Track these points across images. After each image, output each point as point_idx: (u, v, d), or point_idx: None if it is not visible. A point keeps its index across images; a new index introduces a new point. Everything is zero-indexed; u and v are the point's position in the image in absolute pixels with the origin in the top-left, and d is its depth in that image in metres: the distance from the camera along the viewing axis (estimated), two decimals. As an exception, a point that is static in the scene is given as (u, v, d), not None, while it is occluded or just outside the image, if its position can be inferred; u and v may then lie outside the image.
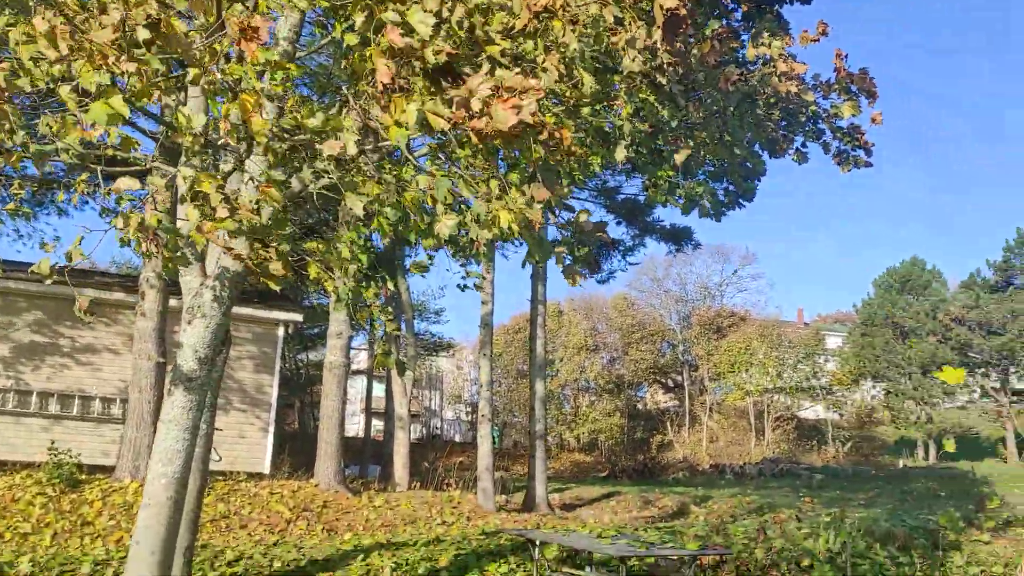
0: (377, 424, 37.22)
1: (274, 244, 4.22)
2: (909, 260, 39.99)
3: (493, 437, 20.03)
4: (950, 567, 11.23)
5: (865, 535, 12.19)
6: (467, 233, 4.25)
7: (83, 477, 13.08)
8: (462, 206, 4.07)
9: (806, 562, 10.94)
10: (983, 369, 35.46)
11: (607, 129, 6.49)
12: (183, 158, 4.53)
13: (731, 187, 9.95)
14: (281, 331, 16.86)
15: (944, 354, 34.19)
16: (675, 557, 8.92)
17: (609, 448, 36.35)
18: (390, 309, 6.79)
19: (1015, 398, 36.18)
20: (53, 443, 13.41)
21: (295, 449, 24.29)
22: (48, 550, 9.41)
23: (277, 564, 9.75)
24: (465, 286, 8.34)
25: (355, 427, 41.38)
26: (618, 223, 22.07)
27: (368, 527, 12.89)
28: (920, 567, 11.23)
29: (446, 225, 3.99)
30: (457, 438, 42.81)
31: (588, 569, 9.32)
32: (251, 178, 3.93)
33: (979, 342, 33.32)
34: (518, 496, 19.54)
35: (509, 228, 3.72)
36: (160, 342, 13.19)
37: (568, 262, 4.21)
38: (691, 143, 7.15)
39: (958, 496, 17.20)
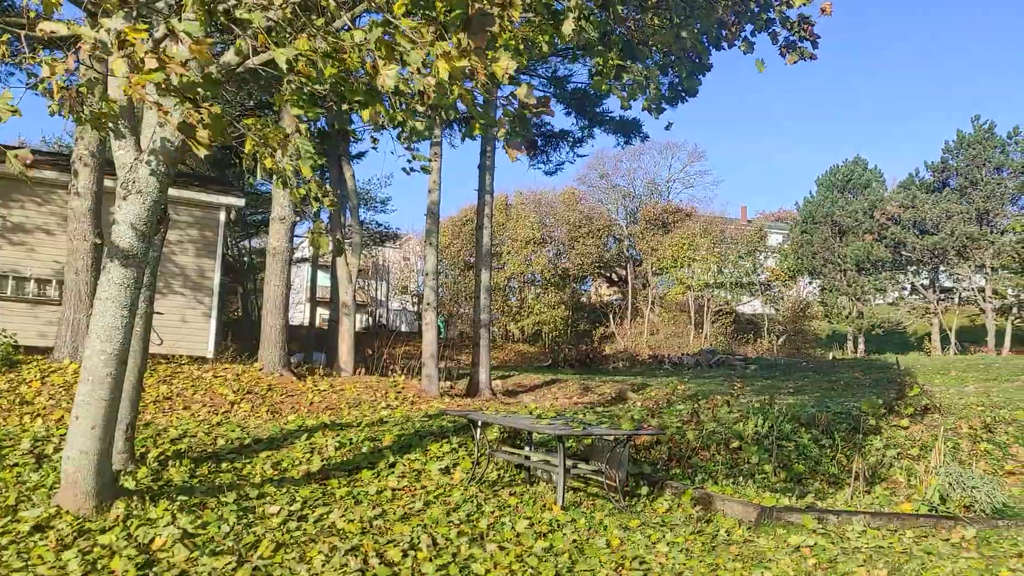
0: (322, 313, 37.23)
1: (206, 106, 4.08)
2: (852, 159, 40.55)
3: (439, 327, 20.22)
4: (869, 449, 11.88)
5: (791, 419, 12.78)
6: (413, 94, 4.16)
7: (20, 358, 12.91)
8: (403, 57, 3.96)
9: (735, 444, 11.46)
10: (914, 267, 36.65)
11: (555, 7, 6.33)
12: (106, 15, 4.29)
13: (676, 80, 9.87)
14: (223, 215, 16.54)
15: (878, 252, 35.17)
16: (610, 437, 9.26)
17: (553, 340, 37.00)
18: (328, 188, 6.68)
19: (942, 295, 37.62)
20: (-13, 324, 13.16)
21: (239, 336, 24.23)
22: (-13, 427, 9.35)
23: (221, 442, 9.86)
24: (411, 169, 8.21)
25: (300, 316, 41.35)
26: (568, 113, 21.84)
27: (312, 410, 13.06)
28: (841, 449, 11.86)
29: (388, 76, 3.90)
30: (403, 328, 43.10)
31: (528, 448, 9.63)
32: (180, 35, 3.75)
33: (912, 241, 34.30)
34: (462, 383, 19.91)
35: (450, 79, 3.64)
36: (96, 223, 12.84)
37: (510, 135, 4.16)
38: (638, 27, 7.03)
39: (882, 385, 18.03)
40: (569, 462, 8.58)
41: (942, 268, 36.16)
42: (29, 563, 5.79)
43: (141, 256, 6.78)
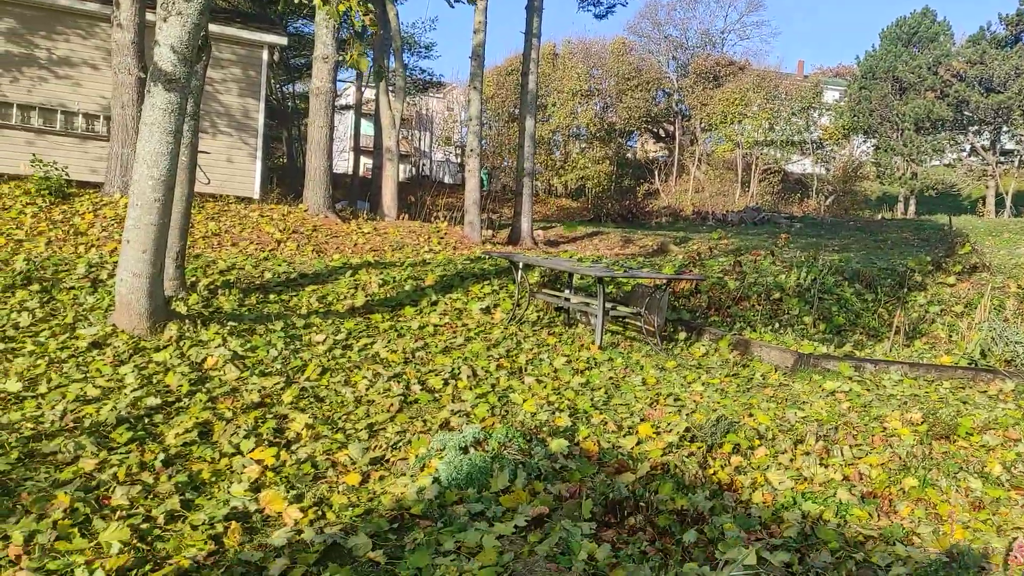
0: (366, 162, 37.10)
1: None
2: (920, 11, 38.18)
3: (481, 178, 20.02)
4: (912, 304, 11.73)
5: (835, 273, 12.61)
6: None
7: (73, 191, 13.11)
8: None
9: (776, 295, 11.38)
10: (975, 128, 35.09)
11: None
12: None
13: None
14: (265, 55, 16.22)
15: (939, 111, 33.63)
16: (650, 281, 9.23)
17: (596, 195, 36.60)
18: (370, 6, 6.42)
19: (1002, 158, 36.16)
20: (34, 156, 13.31)
21: (284, 182, 24.34)
22: (42, 255, 9.60)
23: (268, 275, 10.05)
24: (457, 0, 7.85)
25: (344, 165, 41.28)
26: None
27: (357, 250, 13.19)
28: (884, 304, 11.73)
29: None
30: (446, 179, 42.89)
31: (568, 292, 9.67)
32: None
33: (977, 99, 32.66)
34: (504, 233, 19.91)
35: None
36: (140, 56, 12.66)
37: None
38: None
39: (931, 244, 17.63)
40: (608, 304, 8.60)
41: (1005, 129, 34.56)
42: (88, 375, 6.04)
43: (183, 80, 6.67)
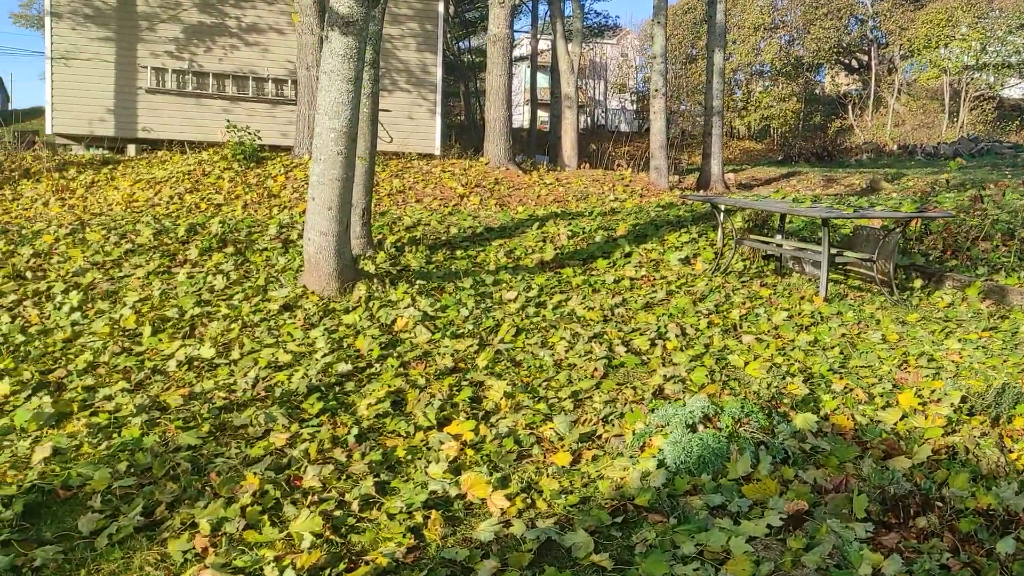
0: (541, 116, 36.48)
1: None
2: None
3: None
4: None
5: (1099, 205, 10.61)
6: None
7: (266, 155, 13.28)
8: None
9: (1025, 233, 9.65)
10: None
11: None
12: None
13: None
14: (441, 6, 15.78)
15: None
16: (879, 223, 7.96)
17: (782, 136, 34.19)
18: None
19: None
20: (229, 122, 13.56)
21: (462, 138, 24.12)
22: (237, 218, 9.61)
23: (454, 230, 9.59)
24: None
25: (520, 119, 40.87)
26: None
27: (540, 202, 12.56)
28: None
29: None
30: (623, 127, 41.55)
31: (779, 236, 8.55)
32: None
33: None
34: (691, 178, 18.68)
35: None
36: (320, 15, 12.51)
37: None
38: None
39: None
40: (833, 250, 7.44)
41: None
42: (279, 340, 5.74)
43: (360, 23, 6.16)
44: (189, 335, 5.86)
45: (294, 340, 5.72)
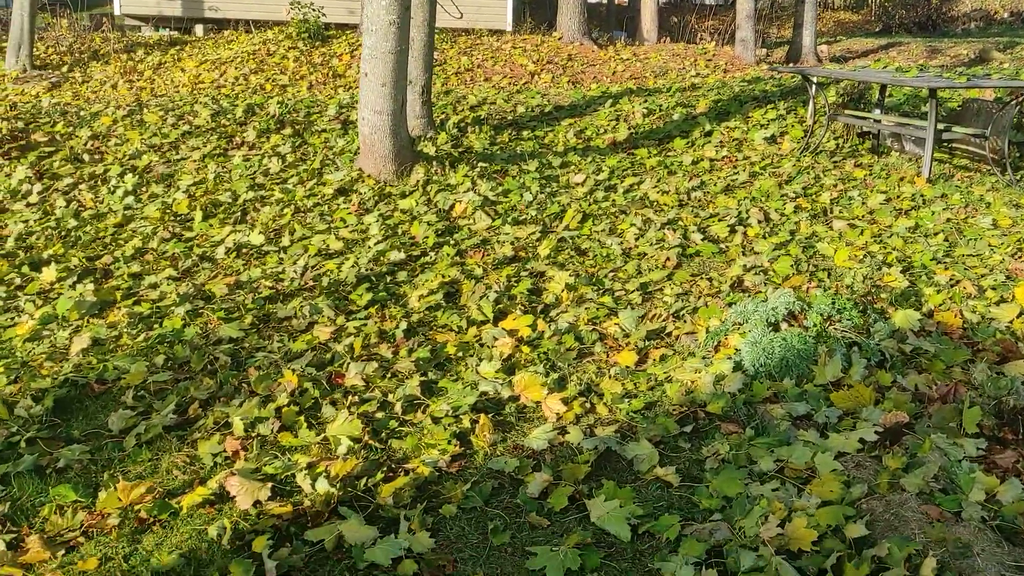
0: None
1: None
2: None
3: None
4: None
5: None
6: None
7: (330, 33, 12.75)
8: None
9: None
10: None
11: None
12: None
13: None
14: None
15: None
16: (991, 95, 7.05)
17: (880, 5, 31.51)
18: None
19: None
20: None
21: (536, 14, 22.91)
22: (296, 98, 9.22)
23: (521, 109, 9.01)
24: None
25: (598, -7, 38.72)
26: None
27: (615, 79, 11.77)
28: None
29: None
30: (708, 0, 39.04)
31: (877, 111, 7.70)
32: None
33: None
34: (779, 52, 17.34)
35: None
36: None
37: None
38: None
39: None
40: (940, 125, 6.63)
41: None
42: (332, 225, 5.42)
43: None
44: (240, 221, 5.59)
45: (347, 226, 5.40)
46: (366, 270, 4.65)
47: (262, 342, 3.85)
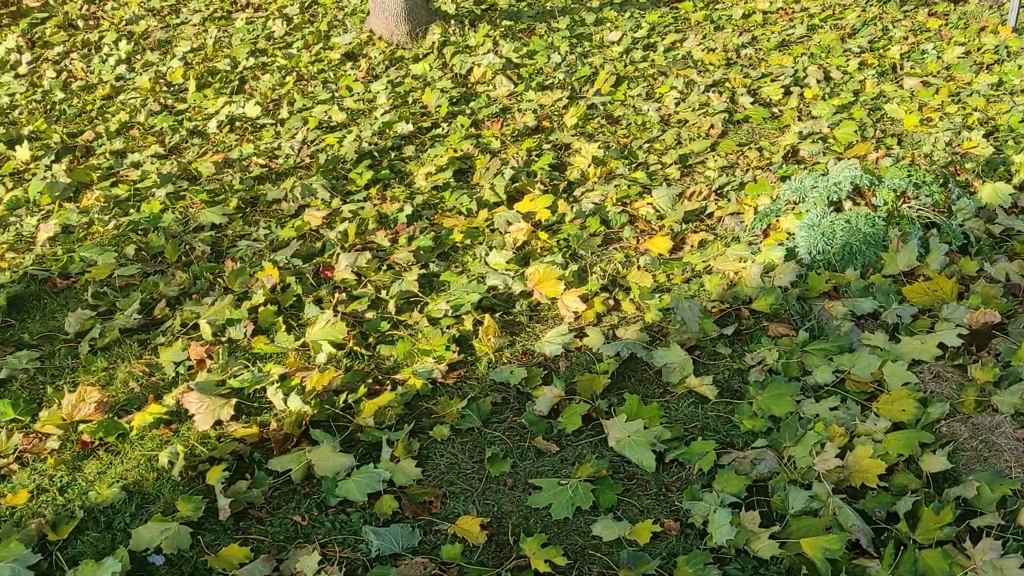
0: None
1: None
2: None
3: None
4: None
5: None
6: None
7: None
8: None
9: None
10: None
11: None
12: None
13: None
14: None
15: None
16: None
17: None
18: None
19: None
20: None
21: None
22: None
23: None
24: None
25: None
26: None
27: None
28: None
29: None
30: None
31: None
32: None
33: None
34: None
35: None
36: None
37: None
38: None
39: None
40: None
41: None
42: (336, 94, 4.83)
43: None
44: (237, 91, 5.04)
45: (352, 95, 4.81)
46: (369, 144, 4.10)
47: (247, 229, 3.39)
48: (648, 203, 3.47)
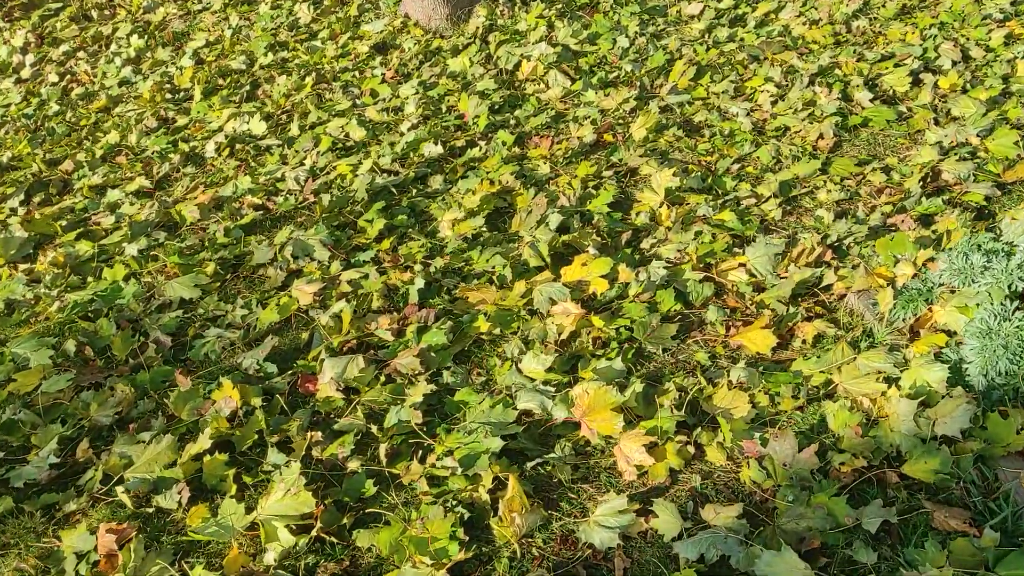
0: None
1: None
2: None
3: None
4: None
5: None
6: None
7: None
8: None
9: None
10: None
11: None
12: None
13: None
14: None
15: None
16: None
17: None
18: None
19: None
20: None
21: None
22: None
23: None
24: None
25: None
26: None
27: None
28: None
29: None
30: None
31: None
32: None
33: None
34: None
35: None
36: None
37: None
38: None
39: None
40: None
41: None
42: (358, 101, 4.00)
43: None
44: (248, 97, 4.26)
45: (376, 102, 3.97)
46: (387, 176, 3.27)
47: (221, 307, 2.63)
48: (740, 264, 2.56)
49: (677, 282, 2.52)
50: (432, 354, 2.29)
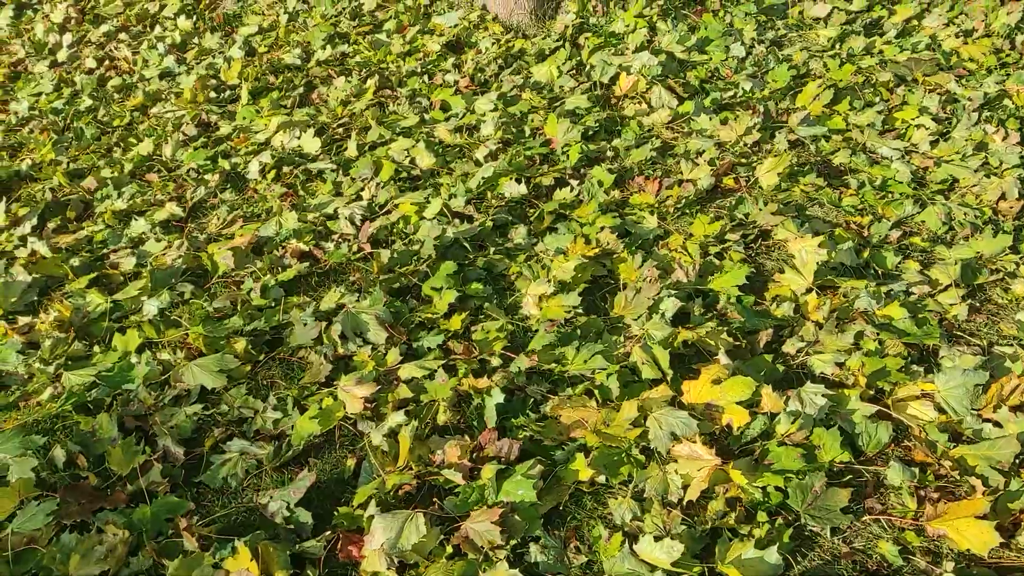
0: None
1: None
2: None
3: None
4: None
5: None
6: None
7: None
8: None
9: None
10: None
11: None
12: None
13: None
14: None
15: None
16: None
17: None
18: None
19: None
20: None
21: None
22: None
23: None
24: None
25: None
26: None
27: None
28: None
29: None
30: None
31: None
32: None
33: None
34: None
35: None
36: None
37: None
38: None
39: None
40: None
41: None
42: (426, 114, 3.37)
43: None
44: (301, 102, 3.67)
45: (448, 118, 3.34)
46: (460, 220, 2.66)
47: (250, 404, 2.07)
48: (924, 393, 1.90)
49: (841, 415, 1.87)
50: (516, 517, 1.69)
